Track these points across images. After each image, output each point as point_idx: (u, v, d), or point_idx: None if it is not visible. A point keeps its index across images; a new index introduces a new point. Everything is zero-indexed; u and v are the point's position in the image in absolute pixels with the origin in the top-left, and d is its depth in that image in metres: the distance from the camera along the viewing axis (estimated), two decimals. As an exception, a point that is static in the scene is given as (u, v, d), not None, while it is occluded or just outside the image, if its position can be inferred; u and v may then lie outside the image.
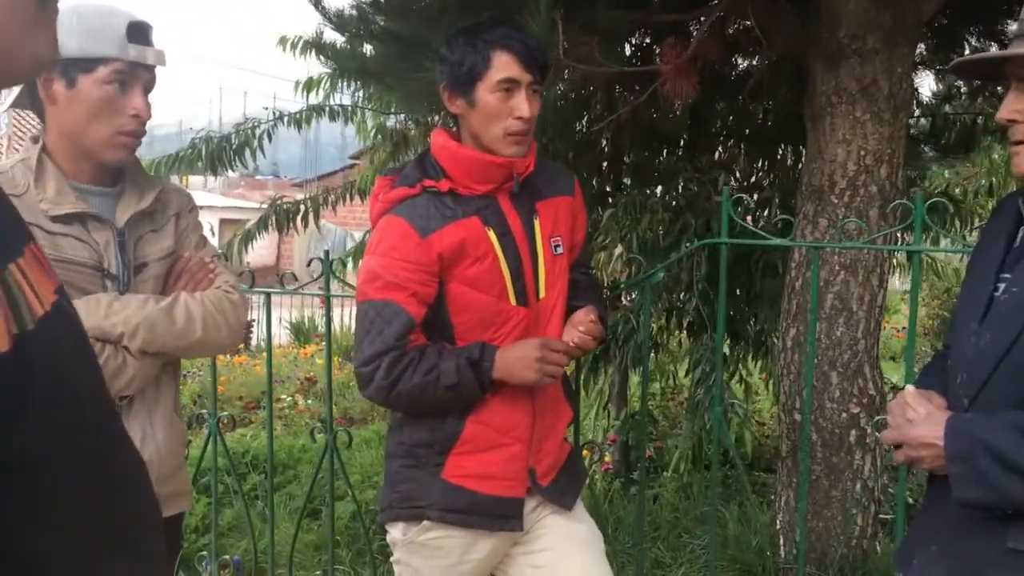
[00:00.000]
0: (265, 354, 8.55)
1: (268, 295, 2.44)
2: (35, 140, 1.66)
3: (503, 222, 1.84)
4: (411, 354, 1.77)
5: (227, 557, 2.70)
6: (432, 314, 1.81)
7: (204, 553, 2.71)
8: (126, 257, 1.68)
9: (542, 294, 1.88)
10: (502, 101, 1.77)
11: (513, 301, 1.84)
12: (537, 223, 1.89)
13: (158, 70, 1.67)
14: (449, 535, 1.86)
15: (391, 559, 1.96)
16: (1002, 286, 1.27)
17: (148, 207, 1.71)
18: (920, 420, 1.31)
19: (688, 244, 3.64)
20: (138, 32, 1.62)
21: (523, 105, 1.78)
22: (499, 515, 1.87)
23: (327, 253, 2.31)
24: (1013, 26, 1.31)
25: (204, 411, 2.57)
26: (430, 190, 1.81)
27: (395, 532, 1.91)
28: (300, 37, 4.55)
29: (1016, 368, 1.21)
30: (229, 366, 7.93)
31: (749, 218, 3.92)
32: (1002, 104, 1.31)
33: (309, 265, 2.33)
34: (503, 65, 1.76)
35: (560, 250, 1.91)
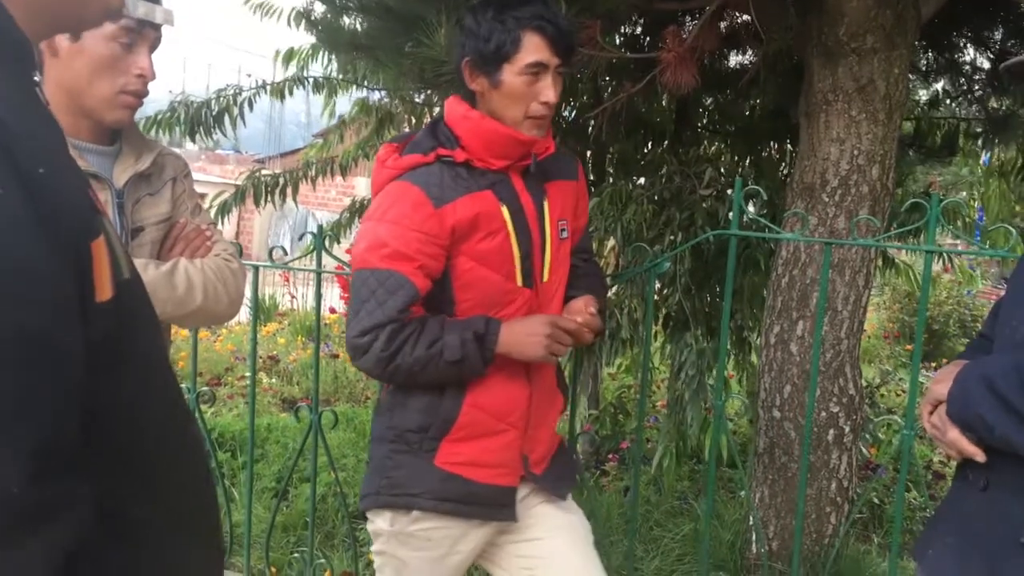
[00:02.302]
0: (224, 331, 8.29)
1: (257, 268, 2.36)
2: None
3: (516, 200, 1.79)
4: (411, 325, 1.69)
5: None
6: (436, 289, 1.74)
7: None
8: (124, 219, 1.60)
9: (546, 277, 1.84)
10: (528, 84, 1.71)
11: (520, 282, 1.79)
12: (547, 205, 1.84)
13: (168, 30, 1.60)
14: (441, 526, 1.80)
15: (372, 549, 1.88)
16: None
17: (145, 169, 1.63)
18: (940, 378, 1.34)
19: (673, 237, 3.62)
20: None
21: (550, 90, 1.72)
22: (494, 504, 1.82)
23: (320, 228, 2.24)
24: None
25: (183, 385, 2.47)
26: (445, 159, 1.74)
27: (380, 522, 1.83)
28: (265, 3, 4.45)
29: None
30: (189, 342, 7.77)
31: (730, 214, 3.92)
32: None
33: (301, 238, 2.25)
34: (533, 47, 1.69)
35: (566, 234, 1.87)
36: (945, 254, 4.46)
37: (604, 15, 2.88)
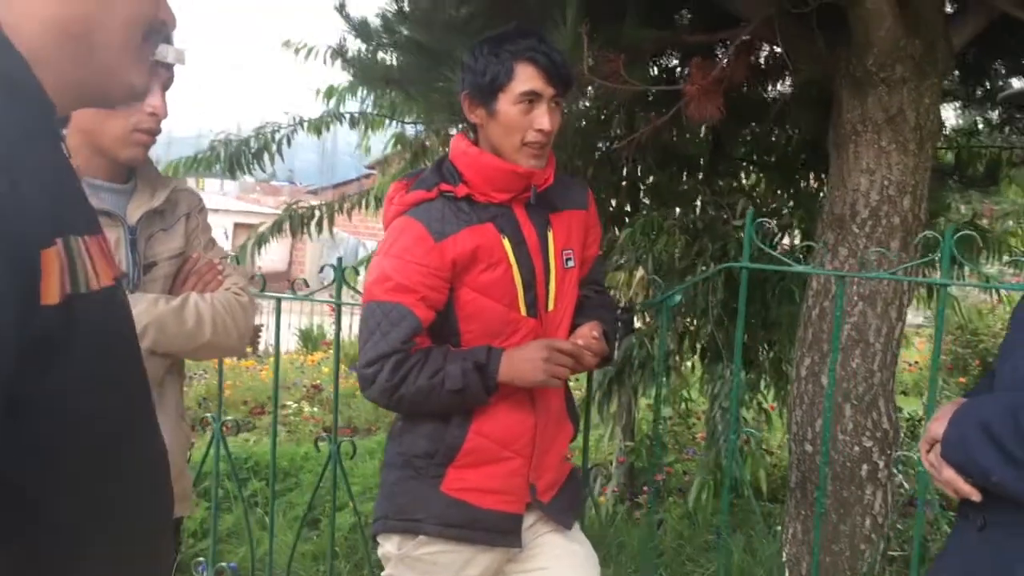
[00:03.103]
0: (272, 359, 8.50)
1: (279, 300, 2.41)
2: None
3: (518, 231, 1.82)
4: (416, 356, 1.74)
5: (223, 564, 2.66)
6: (440, 320, 1.79)
7: (201, 559, 2.67)
8: (136, 255, 1.65)
9: (551, 307, 1.85)
10: (523, 113, 1.76)
11: (523, 312, 1.81)
12: (551, 235, 1.86)
13: (182, 71, 1.65)
14: (447, 550, 1.82)
15: (383, 574, 1.91)
16: None
17: (159, 205, 1.69)
18: (938, 416, 1.33)
19: (705, 267, 3.60)
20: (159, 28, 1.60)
21: (544, 118, 1.76)
22: (499, 531, 1.84)
23: (339, 260, 2.28)
24: None
25: (208, 414, 2.53)
26: (446, 194, 1.79)
27: (389, 546, 1.86)
28: (306, 44, 4.57)
29: None
30: (236, 370, 7.91)
31: (768, 244, 3.89)
32: None
33: (321, 272, 2.30)
34: (526, 77, 1.74)
35: (571, 263, 1.89)
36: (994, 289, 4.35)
37: (628, 48, 2.90)
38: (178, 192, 1.75)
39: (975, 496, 1.24)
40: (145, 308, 1.59)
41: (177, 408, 1.74)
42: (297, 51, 4.61)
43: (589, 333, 1.86)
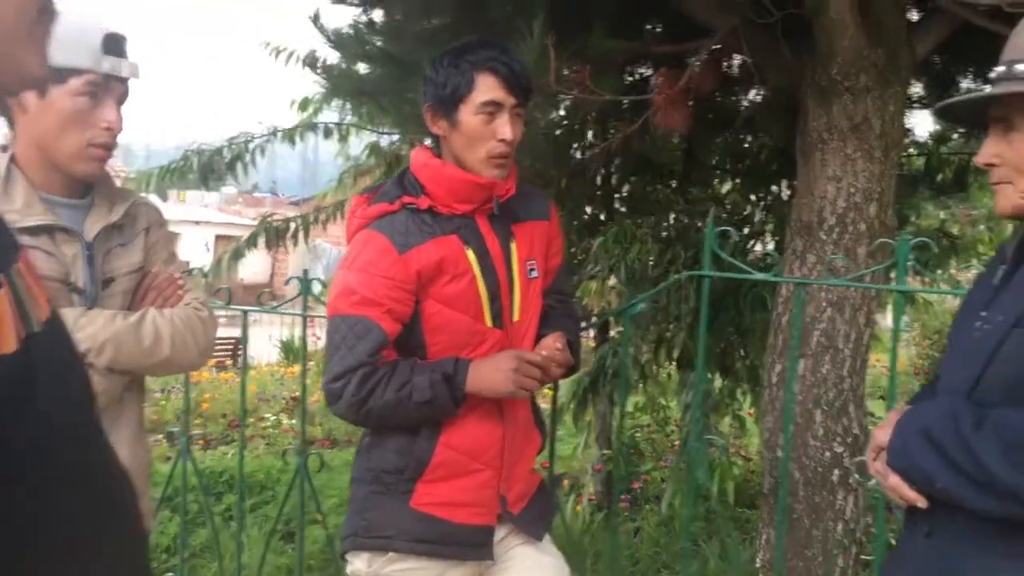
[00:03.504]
0: (251, 371, 8.44)
1: (245, 313, 2.41)
2: (3, 149, 1.64)
3: (481, 243, 1.82)
4: (383, 369, 1.73)
5: (193, 579, 2.65)
6: (405, 333, 1.78)
7: (171, 574, 2.66)
8: (94, 271, 1.64)
9: (516, 317, 1.85)
10: (485, 124, 1.76)
11: (489, 323, 1.81)
12: (514, 246, 1.87)
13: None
14: (417, 567, 1.81)
15: None
16: (978, 323, 1.26)
17: (118, 220, 1.68)
18: (883, 424, 1.34)
19: (678, 275, 3.62)
20: (113, 44, 1.59)
21: (505, 128, 1.76)
22: (470, 544, 1.83)
23: (305, 272, 2.28)
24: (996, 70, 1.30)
25: (174, 429, 2.52)
26: (409, 207, 1.79)
27: (358, 563, 1.85)
28: (285, 48, 4.55)
29: (980, 405, 1.20)
30: (215, 383, 7.88)
31: (738, 252, 3.92)
32: (981, 148, 1.31)
33: (287, 284, 2.30)
34: (487, 87, 1.75)
35: (535, 274, 1.89)
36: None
37: (596, 59, 2.92)
38: (137, 206, 1.74)
39: (921, 502, 1.25)
40: (102, 325, 1.58)
41: (137, 424, 1.73)
42: (277, 54, 4.59)
43: (553, 344, 1.86)
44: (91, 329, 1.57)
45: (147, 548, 1.79)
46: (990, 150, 1.30)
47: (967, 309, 1.35)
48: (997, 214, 1.33)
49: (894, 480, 1.28)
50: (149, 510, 1.80)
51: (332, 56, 3.78)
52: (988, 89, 1.31)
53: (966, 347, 1.29)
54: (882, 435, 1.31)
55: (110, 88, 1.59)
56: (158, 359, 1.63)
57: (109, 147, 1.62)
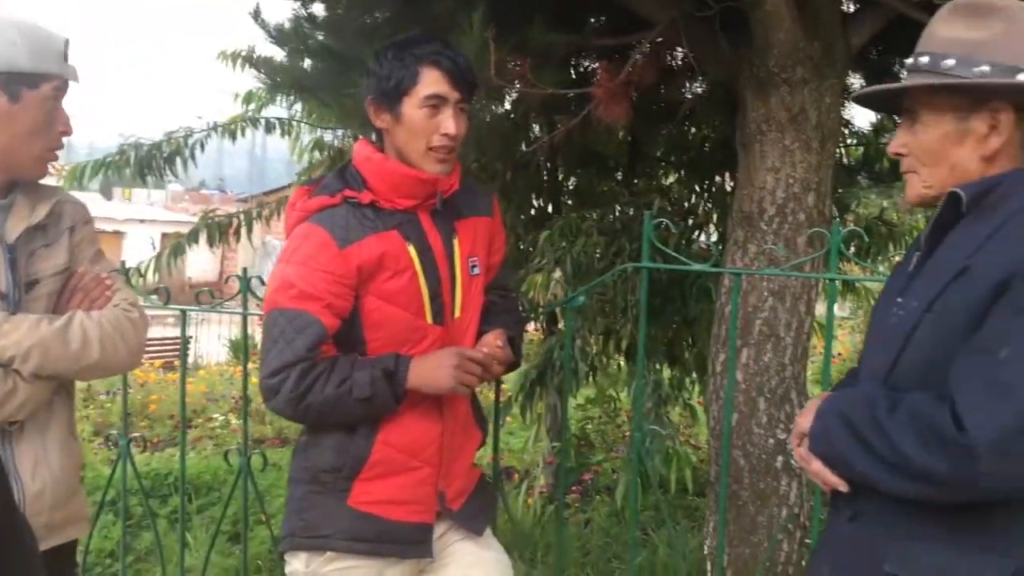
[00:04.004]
0: (199, 371, 8.32)
1: (184, 312, 2.37)
2: None
3: (423, 239, 1.81)
4: (322, 365, 1.71)
5: (136, 583, 2.60)
6: (345, 329, 1.76)
7: (112, 579, 2.61)
8: (16, 274, 1.60)
9: (457, 314, 1.85)
10: (428, 117, 1.75)
11: (430, 319, 1.80)
12: (456, 242, 1.86)
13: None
14: (356, 565, 1.80)
15: None
16: (895, 310, 1.29)
17: (41, 220, 1.64)
18: (805, 410, 1.37)
19: (615, 268, 3.65)
20: (67, 50, 1.61)
21: (449, 122, 1.75)
22: (409, 542, 1.82)
23: (245, 271, 2.25)
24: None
25: (114, 431, 2.47)
26: (350, 201, 1.77)
27: (296, 563, 1.83)
28: (239, 52, 4.49)
29: (896, 390, 1.23)
30: (162, 384, 7.75)
31: (683, 243, 3.96)
32: (894, 138, 1.34)
33: (226, 282, 2.27)
34: (431, 81, 1.74)
35: (476, 271, 1.89)
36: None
37: (536, 52, 2.93)
38: (61, 204, 1.70)
39: (842, 487, 1.28)
40: (27, 331, 1.54)
41: (68, 428, 1.69)
42: (226, 60, 4.51)
43: (494, 342, 1.86)
44: (16, 335, 1.53)
45: (74, 553, 1.74)
46: (899, 140, 1.33)
47: (886, 296, 1.38)
48: (906, 203, 1.36)
49: (816, 465, 1.31)
50: (84, 514, 1.77)
51: (273, 51, 3.74)
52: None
53: (883, 333, 1.32)
54: (804, 421, 1.34)
55: (65, 93, 1.60)
56: (87, 363, 1.60)
57: (60, 150, 1.61)
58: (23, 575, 0.82)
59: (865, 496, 1.26)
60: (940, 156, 1.28)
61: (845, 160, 4.59)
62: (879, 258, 4.62)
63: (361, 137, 1.87)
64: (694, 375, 4.48)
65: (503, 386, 2.91)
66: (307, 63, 3.65)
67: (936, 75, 1.25)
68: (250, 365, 7.60)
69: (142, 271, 2.73)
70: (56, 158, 1.66)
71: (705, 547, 3.30)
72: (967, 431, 1.09)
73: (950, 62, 1.23)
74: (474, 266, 1.89)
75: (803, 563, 3.27)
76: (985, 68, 1.21)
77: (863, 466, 1.21)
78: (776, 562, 3.19)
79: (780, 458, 3.13)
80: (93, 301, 1.65)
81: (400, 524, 1.80)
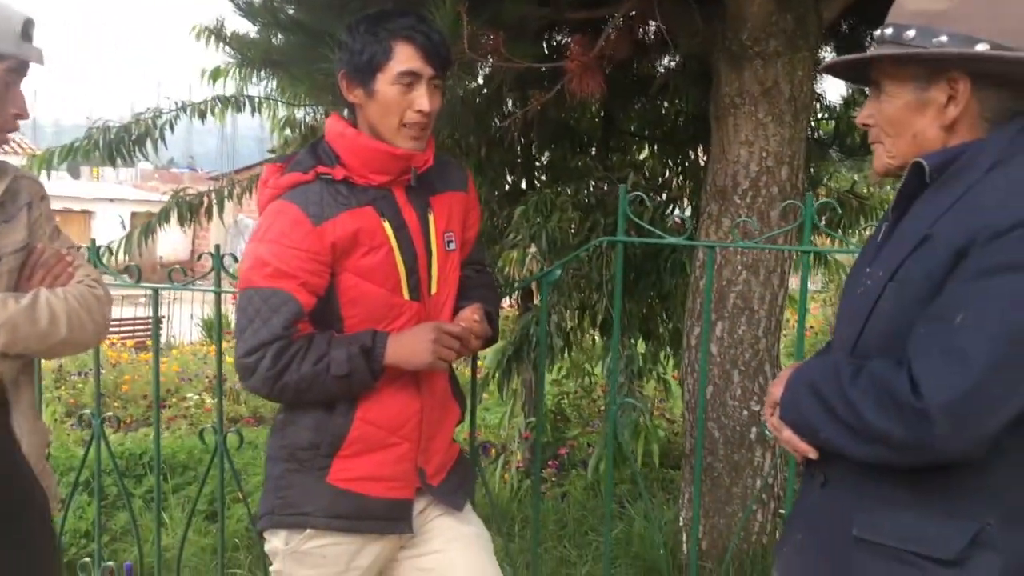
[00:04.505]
0: (172, 351, 8.24)
1: (156, 291, 2.34)
2: None
3: (398, 215, 1.79)
4: (299, 343, 1.70)
5: (111, 564, 2.59)
6: (321, 306, 1.75)
7: (89, 559, 2.60)
8: None
9: (434, 290, 1.84)
10: (402, 94, 1.73)
11: (406, 295, 1.79)
12: (431, 218, 1.84)
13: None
14: (335, 542, 1.79)
15: (271, 569, 1.88)
16: (863, 280, 1.31)
17: None
18: (777, 380, 1.39)
19: (590, 242, 3.66)
20: (29, 30, 1.56)
21: (423, 99, 1.73)
22: (389, 518, 1.82)
23: (218, 248, 2.22)
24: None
25: (87, 410, 2.45)
26: (324, 177, 1.75)
27: (276, 541, 1.82)
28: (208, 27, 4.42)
29: (863, 359, 1.25)
30: (135, 364, 7.68)
31: (657, 218, 3.96)
32: (863, 108, 1.35)
33: (199, 259, 2.24)
34: (405, 57, 1.71)
35: (452, 246, 1.88)
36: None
37: (511, 26, 2.90)
38: (19, 181, 1.67)
39: (812, 454, 1.30)
40: None
41: (32, 407, 1.67)
42: (199, 35, 4.44)
43: (472, 316, 1.85)
44: None
45: (57, 553, 1.73)
46: (866, 111, 1.35)
47: (857, 267, 1.40)
48: (873, 174, 1.38)
49: (787, 433, 1.33)
50: (53, 492, 1.75)
51: (244, 26, 3.68)
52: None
53: (852, 304, 1.33)
54: (776, 391, 1.36)
55: (23, 74, 1.55)
56: (55, 340, 1.58)
57: (14, 131, 1.57)
58: (37, 534, 0.83)
59: (834, 463, 1.28)
60: (902, 126, 1.29)
61: (816, 134, 4.61)
62: (849, 231, 4.66)
63: (333, 112, 1.84)
64: (668, 349, 4.52)
65: (479, 362, 2.91)
66: (278, 37, 3.60)
67: (898, 46, 1.26)
68: (224, 344, 7.57)
69: (113, 250, 2.69)
70: (7, 140, 1.61)
71: (680, 518, 3.34)
72: (922, 395, 1.11)
73: (911, 33, 1.24)
74: (450, 241, 1.88)
75: (776, 533, 3.32)
76: (944, 38, 1.22)
77: (828, 432, 1.23)
78: (750, 531, 3.23)
79: (754, 430, 3.16)
80: (56, 278, 1.63)
81: (380, 500, 1.80)
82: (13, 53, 1.52)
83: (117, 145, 3.71)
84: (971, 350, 1.10)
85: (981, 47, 1.20)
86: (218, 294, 2.30)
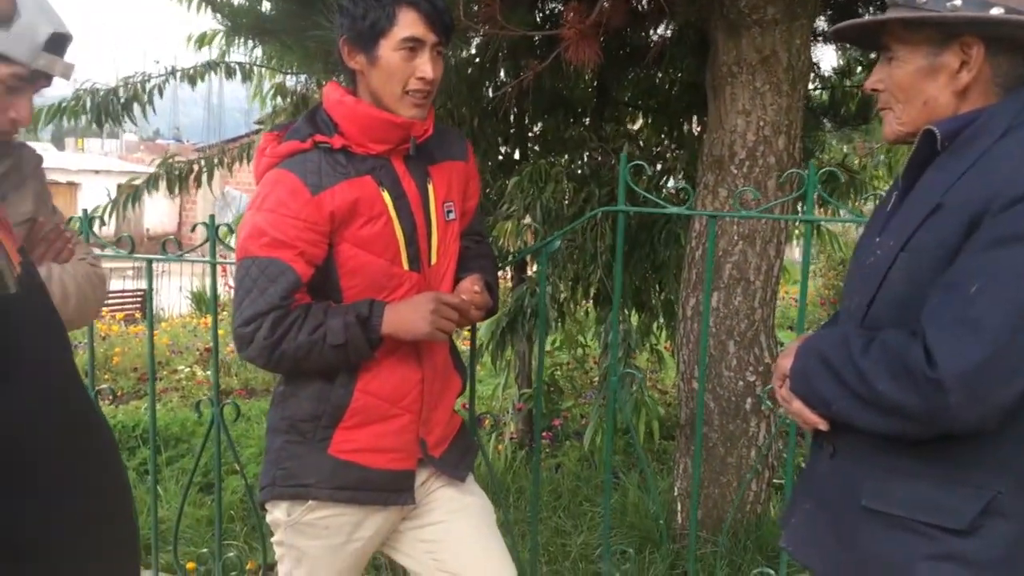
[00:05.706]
0: (162, 323, 8.20)
1: (149, 262, 2.31)
2: None
3: (397, 185, 1.77)
4: (296, 312, 1.69)
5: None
6: (320, 277, 1.73)
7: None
8: None
9: (434, 260, 1.83)
10: (405, 60, 1.70)
11: (406, 266, 1.78)
12: (431, 187, 1.83)
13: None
14: (337, 514, 1.79)
15: (273, 540, 1.87)
16: (872, 249, 1.30)
17: (7, 169, 1.58)
18: (786, 352, 1.39)
19: (589, 212, 3.64)
20: (57, 43, 1.52)
21: (427, 66, 1.71)
22: (391, 489, 1.82)
23: (212, 218, 2.20)
24: None
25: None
26: (322, 146, 1.73)
27: (278, 512, 1.82)
28: None
29: (873, 329, 1.24)
30: (124, 337, 7.64)
31: (652, 188, 3.95)
32: (871, 73, 1.34)
33: (193, 230, 2.21)
34: (408, 23, 1.69)
35: (452, 216, 1.86)
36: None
37: (506, -7, 2.86)
38: (21, 147, 1.64)
39: (822, 425, 1.30)
40: None
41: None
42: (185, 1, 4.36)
43: (471, 287, 1.84)
44: None
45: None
46: (875, 76, 1.33)
47: (865, 236, 1.39)
48: (883, 140, 1.37)
49: (797, 405, 1.32)
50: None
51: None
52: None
53: (862, 273, 1.32)
54: (785, 362, 1.35)
55: (35, 83, 1.52)
56: (64, 318, 1.57)
57: (10, 135, 1.54)
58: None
59: (844, 434, 1.28)
60: (913, 92, 1.27)
61: (811, 104, 4.59)
62: (832, 203, 4.65)
63: (332, 79, 1.81)
64: (662, 320, 4.51)
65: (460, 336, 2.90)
66: (268, 4, 3.54)
67: (911, 9, 1.24)
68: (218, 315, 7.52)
69: (103, 217, 2.65)
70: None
71: (675, 489, 3.35)
72: (937, 365, 1.10)
73: None
74: (449, 211, 1.86)
75: (771, 502, 3.34)
76: (957, 2, 1.20)
77: (839, 404, 1.23)
78: (745, 501, 3.25)
79: (749, 400, 3.17)
80: (57, 253, 1.61)
81: (382, 472, 1.79)
82: (24, 61, 1.48)
83: (105, 108, 3.64)
84: (986, 320, 1.09)
85: (996, 11, 1.18)
86: (213, 265, 2.27)
